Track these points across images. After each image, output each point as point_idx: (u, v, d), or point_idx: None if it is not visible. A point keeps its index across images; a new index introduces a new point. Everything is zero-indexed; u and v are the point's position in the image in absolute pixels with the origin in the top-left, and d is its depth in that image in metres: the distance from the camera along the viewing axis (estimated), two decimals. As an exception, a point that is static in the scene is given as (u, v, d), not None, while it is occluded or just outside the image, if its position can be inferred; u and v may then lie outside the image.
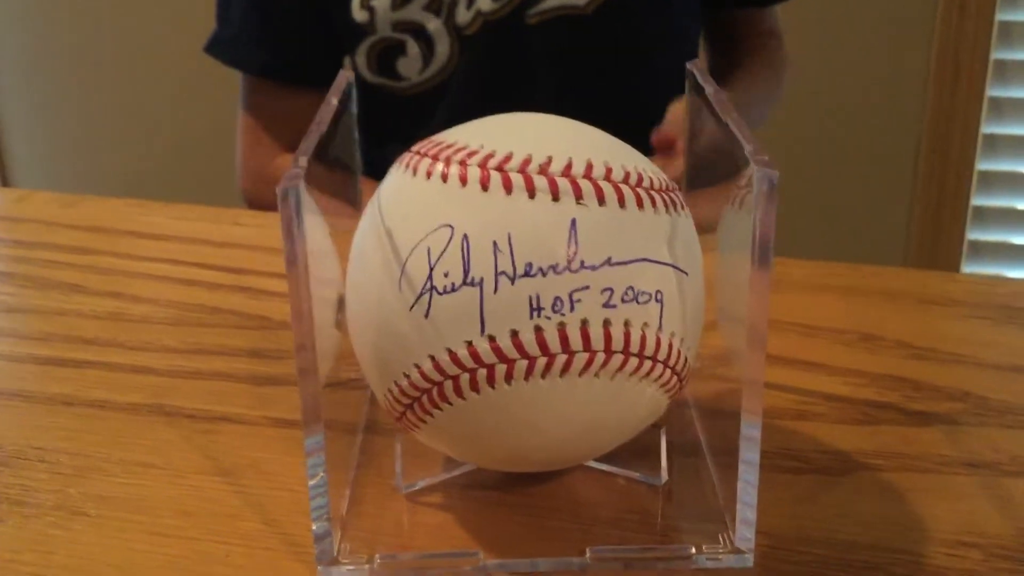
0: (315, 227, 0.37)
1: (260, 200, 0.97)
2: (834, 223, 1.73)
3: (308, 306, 0.35)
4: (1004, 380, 0.49)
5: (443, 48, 0.89)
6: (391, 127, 0.88)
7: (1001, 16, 1.60)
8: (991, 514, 0.41)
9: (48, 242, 0.67)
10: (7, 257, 0.65)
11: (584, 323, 0.35)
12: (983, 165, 1.68)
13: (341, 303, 0.41)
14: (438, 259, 0.35)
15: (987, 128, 1.66)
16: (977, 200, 1.70)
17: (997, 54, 1.62)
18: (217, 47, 0.95)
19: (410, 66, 0.90)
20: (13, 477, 0.44)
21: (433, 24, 0.88)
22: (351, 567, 0.38)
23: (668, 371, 0.37)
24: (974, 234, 1.71)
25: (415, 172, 0.37)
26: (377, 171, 0.43)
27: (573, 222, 0.35)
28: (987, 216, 1.71)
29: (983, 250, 1.72)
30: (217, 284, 0.61)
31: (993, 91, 1.64)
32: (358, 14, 0.88)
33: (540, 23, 0.88)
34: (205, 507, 0.42)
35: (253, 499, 0.42)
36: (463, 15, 0.87)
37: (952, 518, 0.40)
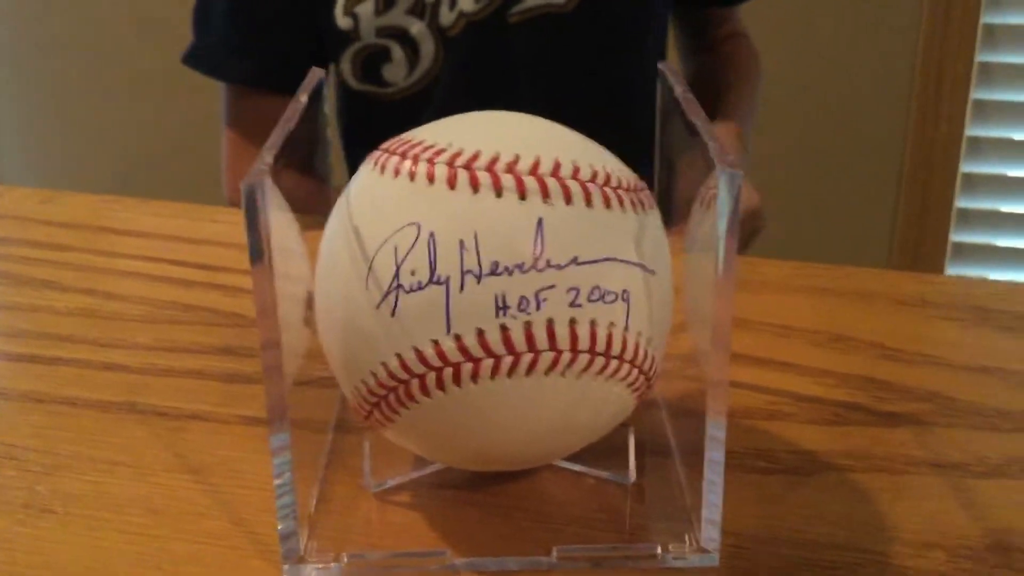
0: (284, 224, 0.37)
1: None
2: (818, 224, 1.73)
3: (273, 303, 0.35)
4: (973, 381, 0.50)
5: (428, 51, 0.89)
6: (378, 134, 0.88)
7: (986, 19, 1.61)
8: (957, 515, 0.41)
9: (23, 238, 0.66)
10: (-18, 254, 0.65)
11: (550, 322, 0.35)
12: (967, 167, 1.69)
13: (311, 301, 0.41)
14: (405, 257, 0.35)
15: (971, 131, 1.67)
16: (961, 202, 1.70)
17: (982, 57, 1.63)
18: (195, 58, 0.94)
19: (396, 72, 0.90)
20: (-19, 474, 0.44)
21: (416, 27, 0.88)
22: (318, 566, 0.38)
23: (635, 371, 0.37)
24: (958, 236, 1.72)
25: (383, 170, 0.37)
26: None
27: (540, 221, 0.35)
28: (971, 218, 1.71)
29: (967, 252, 1.73)
30: (192, 281, 0.60)
31: (978, 94, 1.65)
32: (342, 21, 0.87)
33: (522, 22, 0.89)
34: (174, 505, 0.42)
35: (222, 497, 0.42)
36: (446, 16, 0.88)
37: (918, 519, 0.41)
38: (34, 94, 2.03)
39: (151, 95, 1.91)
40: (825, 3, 1.63)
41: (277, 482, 0.37)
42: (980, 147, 1.68)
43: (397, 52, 0.89)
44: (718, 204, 0.34)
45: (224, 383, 0.50)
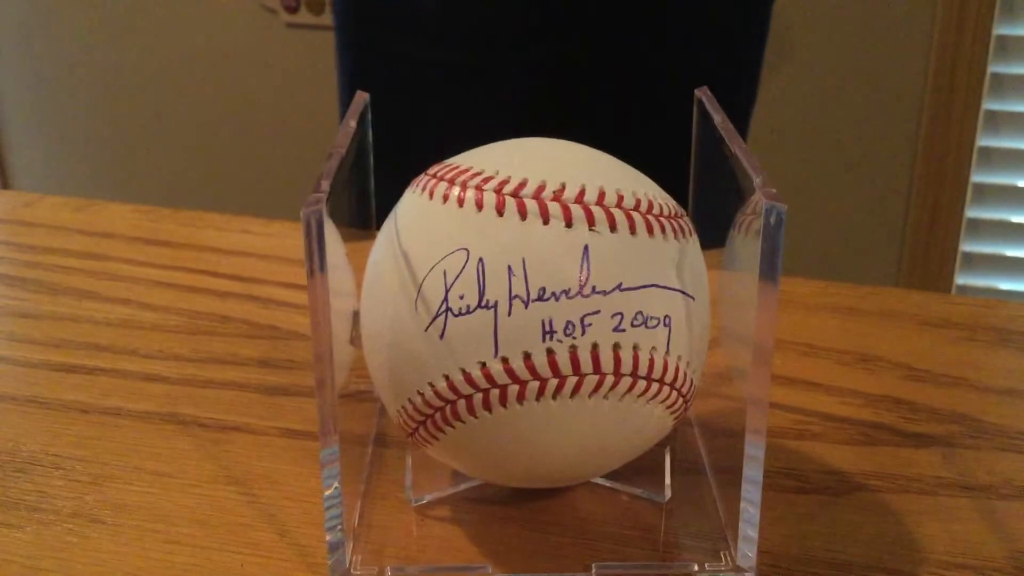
0: (333, 242, 0.38)
1: None
2: (828, 234, 1.74)
3: (327, 319, 0.35)
4: (998, 403, 0.51)
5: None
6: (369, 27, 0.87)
7: (998, 30, 1.62)
8: (985, 536, 0.42)
9: (59, 247, 0.68)
10: (19, 262, 0.66)
11: (594, 346, 0.36)
12: (978, 178, 1.69)
13: (356, 318, 0.42)
14: (454, 282, 0.36)
15: (982, 141, 1.68)
16: (971, 212, 1.71)
17: (994, 68, 1.64)
18: None
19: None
20: (30, 483, 0.45)
21: None
22: (363, 579, 0.39)
23: (674, 393, 0.39)
24: (968, 246, 1.73)
25: (432, 195, 0.39)
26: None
27: (585, 248, 0.36)
28: (981, 228, 1.72)
29: (976, 262, 1.74)
30: (227, 292, 0.62)
31: (989, 104, 1.66)
32: None
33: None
34: (219, 517, 0.43)
35: (266, 509, 0.43)
36: None
37: (947, 540, 0.42)
38: (53, 104, 2.04)
39: (174, 107, 1.92)
40: (836, 15, 1.64)
41: (326, 494, 0.38)
42: (991, 157, 1.69)
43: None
44: (763, 235, 0.35)
45: (264, 395, 0.51)
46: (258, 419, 0.49)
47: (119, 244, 0.68)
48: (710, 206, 0.47)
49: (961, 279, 1.75)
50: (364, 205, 0.49)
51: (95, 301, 0.61)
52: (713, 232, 0.44)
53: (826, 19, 1.64)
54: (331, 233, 0.37)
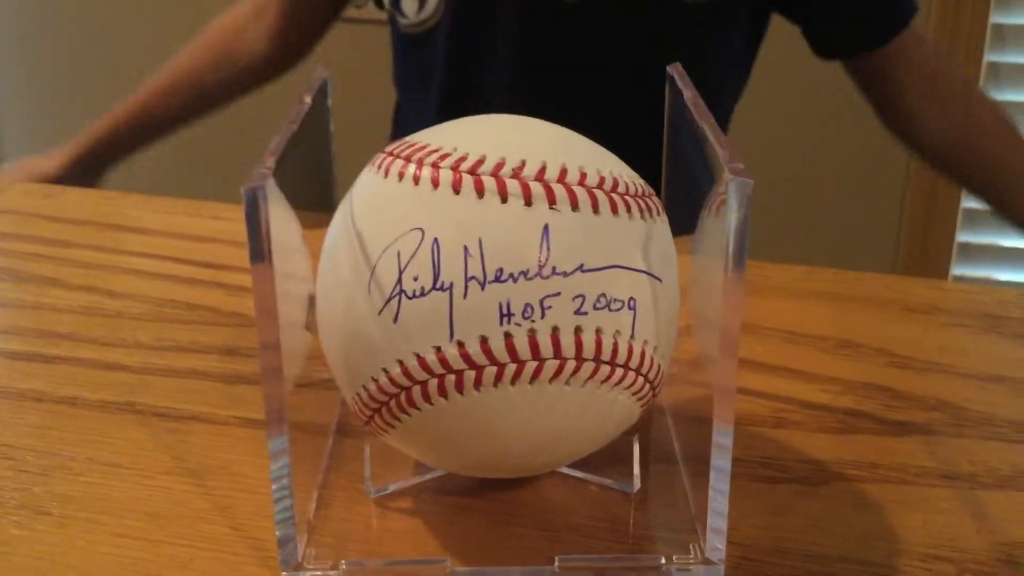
0: (286, 224, 0.36)
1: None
2: (824, 224, 1.72)
3: (273, 305, 0.34)
4: (982, 390, 0.49)
5: None
6: (398, 59, 0.98)
7: (995, 19, 1.60)
8: (966, 527, 0.40)
9: (26, 234, 0.66)
10: (-17, 249, 0.65)
11: (555, 330, 0.35)
12: (975, 167, 1.68)
13: (312, 303, 0.40)
14: (408, 263, 0.35)
15: (979, 130, 1.66)
16: (968, 202, 1.69)
17: (990, 56, 1.62)
18: None
19: (409, 5, 0.92)
20: (-22, 475, 0.43)
21: None
22: (316, 573, 0.38)
23: (640, 379, 0.37)
24: (964, 236, 1.71)
25: (387, 174, 0.37)
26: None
27: (545, 227, 0.35)
28: (977, 218, 1.71)
29: (973, 252, 1.72)
30: (194, 279, 0.60)
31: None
32: None
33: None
34: (172, 509, 0.41)
35: (221, 502, 0.42)
36: None
37: (927, 531, 0.40)
38: (37, 89, 2.02)
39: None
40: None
41: (275, 487, 0.36)
42: (988, 147, 1.67)
43: None
44: (727, 211, 0.33)
45: (226, 384, 0.50)
46: (218, 408, 0.48)
47: (87, 231, 0.66)
48: (683, 188, 0.45)
49: (958, 269, 1.73)
50: (325, 187, 0.47)
51: (59, 288, 0.59)
52: (686, 216, 0.42)
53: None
54: (284, 214, 0.36)
